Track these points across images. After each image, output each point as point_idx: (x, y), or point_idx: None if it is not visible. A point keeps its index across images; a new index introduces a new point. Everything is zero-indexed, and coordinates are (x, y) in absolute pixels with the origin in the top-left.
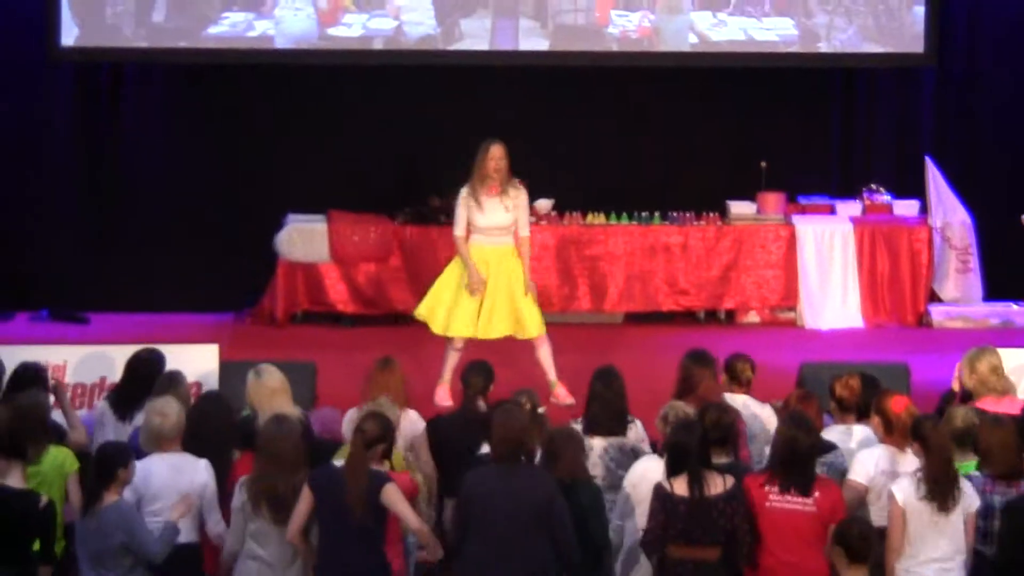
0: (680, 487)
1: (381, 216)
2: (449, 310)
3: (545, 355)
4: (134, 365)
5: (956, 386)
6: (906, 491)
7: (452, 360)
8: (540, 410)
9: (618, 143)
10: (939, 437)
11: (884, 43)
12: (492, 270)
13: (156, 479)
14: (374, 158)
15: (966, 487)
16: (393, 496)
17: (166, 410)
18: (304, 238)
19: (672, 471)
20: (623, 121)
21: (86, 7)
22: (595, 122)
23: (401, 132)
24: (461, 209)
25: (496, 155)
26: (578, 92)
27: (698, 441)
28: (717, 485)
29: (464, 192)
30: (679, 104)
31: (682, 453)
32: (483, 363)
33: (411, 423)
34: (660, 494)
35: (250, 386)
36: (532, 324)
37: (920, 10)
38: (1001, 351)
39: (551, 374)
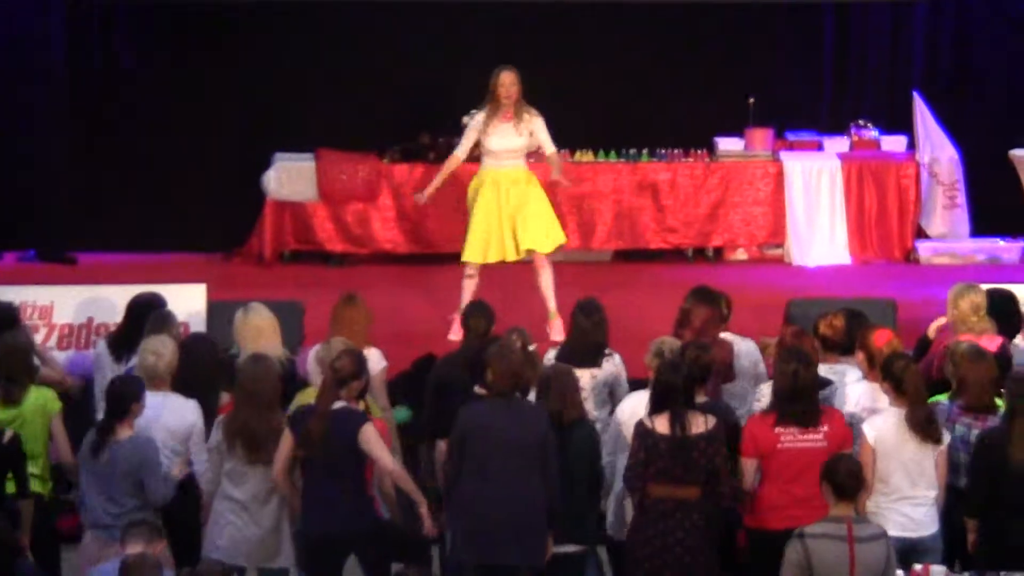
0: (662, 425)
1: (369, 154)
2: (469, 237)
3: (547, 282)
4: (135, 308)
5: (932, 333)
6: (879, 429)
7: (468, 289)
8: (531, 347)
9: (605, 79)
10: (912, 378)
11: None
12: (502, 192)
13: (145, 417)
14: (362, 95)
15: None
16: (371, 437)
17: (161, 350)
18: (291, 177)
19: (655, 408)
20: (610, 57)
21: None
22: (582, 59)
23: (388, 69)
24: (471, 131)
25: (506, 82)
26: (564, 28)
27: (683, 380)
28: (699, 425)
29: (477, 115)
30: (667, 39)
31: (667, 391)
32: (483, 304)
33: (372, 363)
34: (641, 431)
35: (237, 324)
36: (540, 240)
37: None
38: (987, 286)
39: (551, 303)
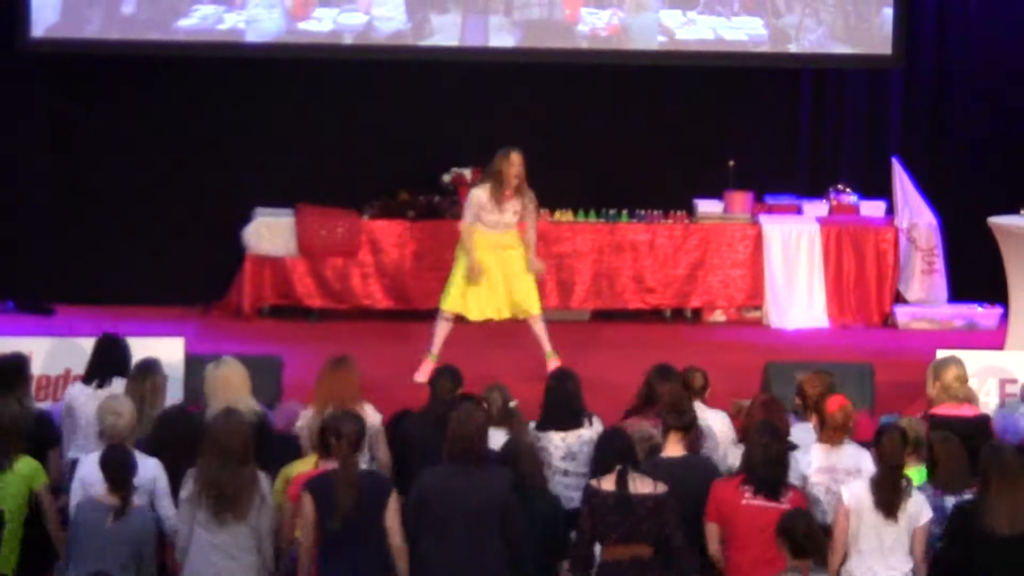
0: (607, 484)
1: (349, 210)
2: (448, 286)
3: (541, 330)
4: (100, 347)
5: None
6: (856, 493)
7: (441, 333)
8: (512, 404)
9: (586, 140)
10: (891, 445)
11: (853, 44)
12: (493, 256)
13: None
14: (342, 152)
15: (918, 498)
16: (395, 507)
17: (120, 409)
18: (272, 232)
19: (599, 470)
20: (591, 119)
21: (50, 1)
22: (563, 119)
23: (370, 127)
24: (472, 206)
25: (517, 163)
26: (546, 90)
27: (623, 446)
28: (646, 487)
29: (480, 191)
30: (647, 102)
31: (607, 457)
32: (451, 367)
33: (370, 418)
34: (588, 493)
35: (207, 377)
36: (532, 302)
37: (889, 12)
38: (965, 352)
39: (547, 346)
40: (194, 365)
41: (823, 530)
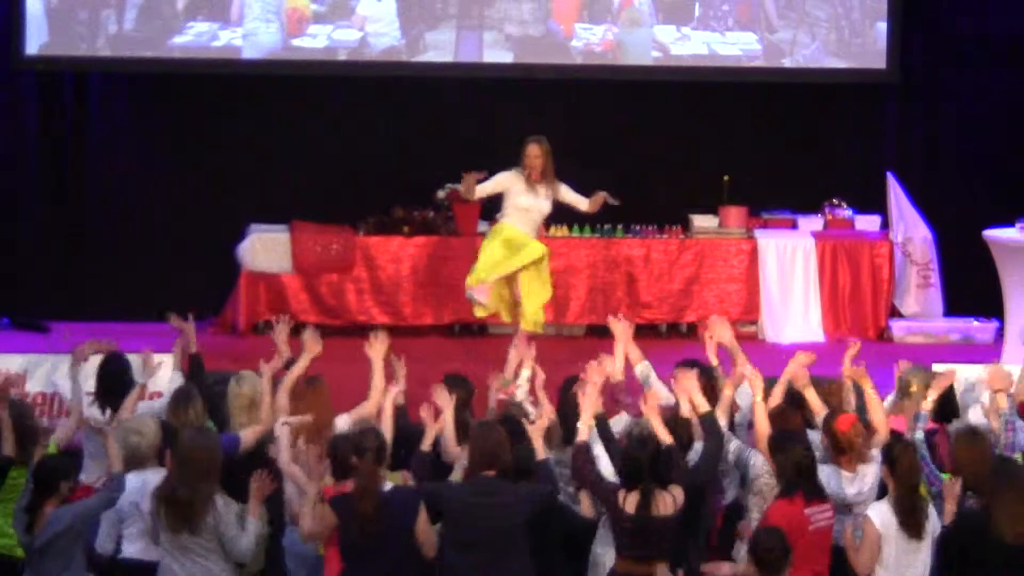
0: (630, 504)
1: (344, 226)
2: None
3: (515, 355)
4: (103, 371)
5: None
6: (884, 514)
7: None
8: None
9: (580, 156)
10: (907, 463)
11: (847, 59)
12: (518, 250)
13: (133, 498)
14: (337, 168)
15: (931, 513)
16: (424, 522)
17: (143, 429)
18: (267, 248)
19: (625, 483)
20: (586, 134)
21: (51, 16)
22: (558, 135)
23: (364, 143)
24: (501, 179)
25: (531, 153)
26: (541, 105)
27: (650, 456)
28: (667, 504)
29: (508, 173)
30: (642, 117)
31: (635, 467)
32: (461, 376)
33: (341, 428)
34: (612, 501)
35: (229, 392)
36: (531, 320)
37: (883, 26)
38: (960, 366)
39: (510, 372)
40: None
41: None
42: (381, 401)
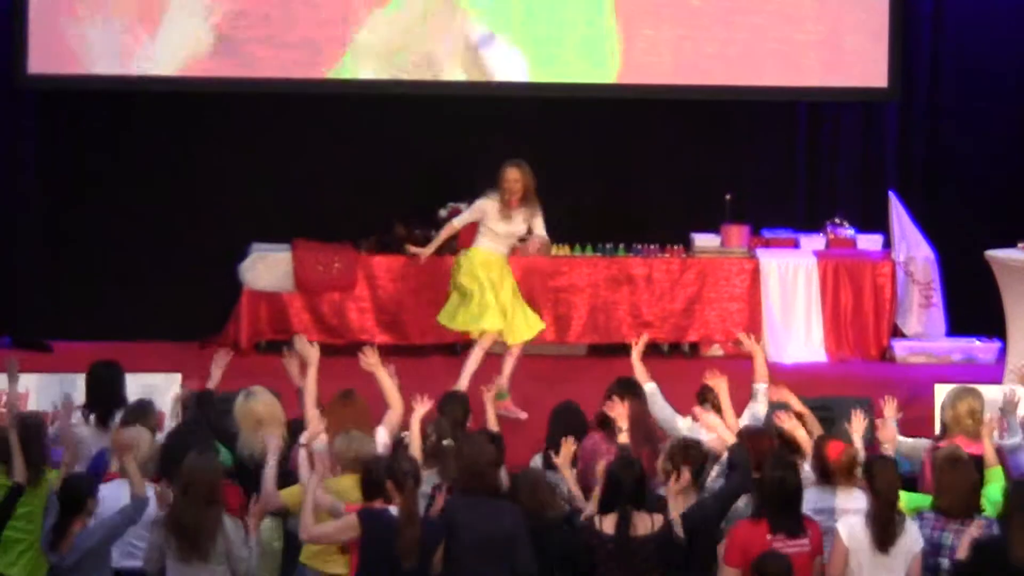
0: (608, 525)
1: (345, 245)
2: (472, 309)
3: (511, 365)
4: (94, 378)
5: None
6: (851, 529)
7: (474, 365)
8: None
9: (583, 174)
10: (885, 479)
11: (849, 78)
12: (496, 277)
13: (111, 504)
14: (339, 187)
15: (910, 528)
16: (441, 553)
17: (138, 441)
18: (268, 267)
19: (603, 507)
20: (588, 152)
21: (51, 35)
22: (560, 153)
23: (366, 161)
24: (474, 211)
25: (510, 177)
26: (543, 124)
27: (635, 479)
28: (645, 525)
29: (486, 201)
30: (643, 136)
31: (616, 489)
32: (460, 394)
33: (383, 447)
34: (587, 528)
35: (236, 408)
36: (529, 325)
37: (884, 45)
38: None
39: (505, 381)
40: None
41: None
42: (402, 404)
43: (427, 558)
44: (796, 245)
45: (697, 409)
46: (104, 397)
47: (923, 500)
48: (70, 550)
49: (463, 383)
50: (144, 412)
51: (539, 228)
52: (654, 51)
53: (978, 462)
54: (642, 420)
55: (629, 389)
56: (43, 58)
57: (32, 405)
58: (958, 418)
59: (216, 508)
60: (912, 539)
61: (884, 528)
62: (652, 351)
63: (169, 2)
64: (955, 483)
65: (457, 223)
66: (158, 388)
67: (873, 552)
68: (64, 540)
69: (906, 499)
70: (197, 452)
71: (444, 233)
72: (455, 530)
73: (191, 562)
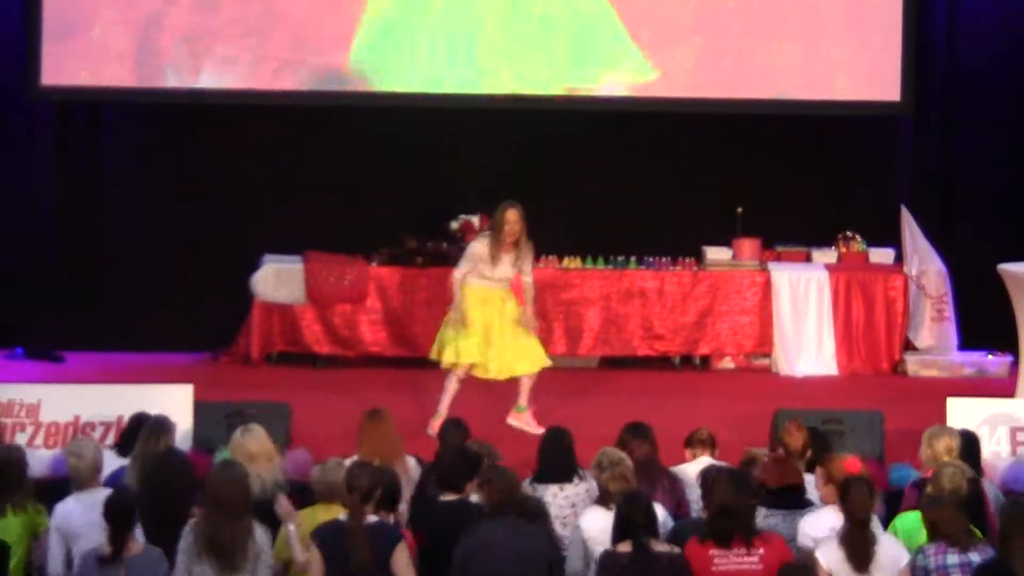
0: (625, 548)
1: (357, 257)
2: (457, 341)
3: (528, 381)
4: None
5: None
6: (830, 552)
7: (452, 391)
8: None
9: (594, 187)
10: (859, 498)
11: (861, 91)
12: (493, 311)
13: (76, 518)
14: (350, 199)
15: (888, 544)
16: (403, 560)
17: (81, 451)
18: (280, 279)
19: (618, 537)
20: (599, 165)
21: (65, 46)
22: (571, 166)
23: (378, 174)
24: (470, 258)
25: (512, 220)
26: (555, 136)
27: (644, 512)
28: (662, 548)
29: (480, 244)
30: (655, 149)
31: (627, 522)
32: (459, 420)
33: (412, 471)
34: (604, 559)
35: (232, 441)
36: (537, 359)
37: (897, 58)
38: (975, 400)
39: (523, 399)
40: (203, 412)
41: None
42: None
43: (383, 561)
44: (808, 258)
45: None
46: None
47: (915, 523)
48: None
49: (442, 410)
50: (164, 429)
51: (527, 274)
52: (668, 65)
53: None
54: (652, 461)
55: (639, 433)
56: (56, 70)
57: (44, 416)
58: (936, 455)
59: (247, 518)
60: (893, 553)
61: (858, 548)
62: (664, 364)
63: (182, 15)
64: (943, 521)
65: (459, 275)
66: (169, 399)
67: (849, 571)
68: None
69: (900, 525)
70: (222, 465)
71: (458, 288)
72: (486, 551)
73: (225, 573)
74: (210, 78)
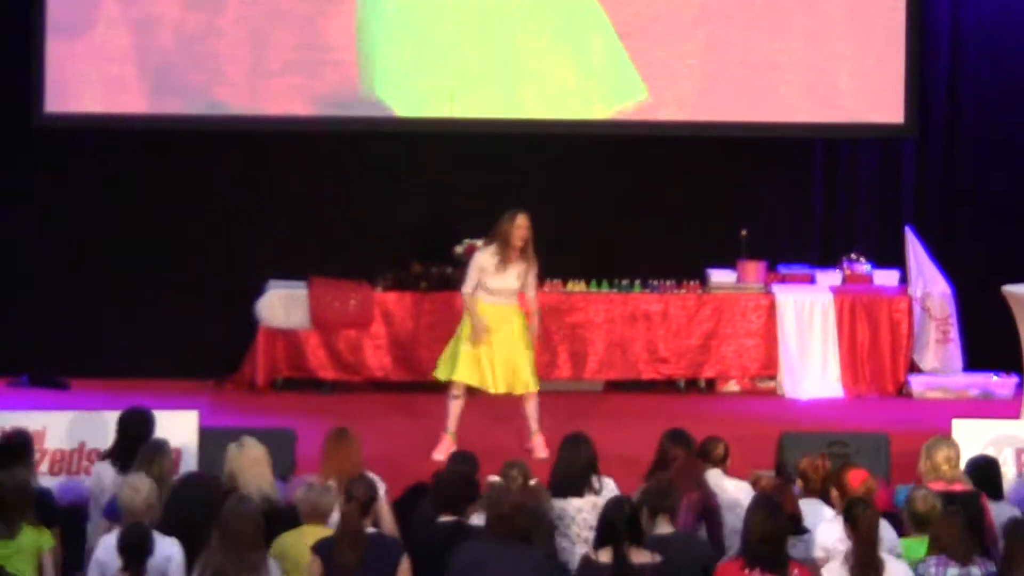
0: (605, 556)
1: (362, 282)
2: (453, 358)
3: (532, 408)
4: (124, 424)
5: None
6: (834, 573)
7: (455, 410)
8: (532, 482)
9: (598, 211)
10: (865, 521)
11: (865, 114)
12: (496, 328)
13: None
14: (355, 224)
15: (895, 567)
16: (406, 570)
17: (139, 486)
18: (285, 304)
19: (599, 543)
20: (603, 189)
21: (67, 74)
22: (575, 190)
23: (381, 199)
24: (474, 270)
25: (523, 225)
26: (559, 160)
27: (626, 518)
28: (644, 557)
29: (484, 254)
30: (660, 172)
31: (610, 527)
32: (467, 454)
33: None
34: (583, 565)
35: (228, 455)
36: (530, 380)
37: (901, 81)
38: (980, 422)
39: (533, 424)
40: (208, 438)
41: None
42: None
43: (384, 573)
44: (812, 281)
45: None
46: (131, 445)
47: (920, 548)
48: None
49: (451, 428)
50: (160, 451)
51: (531, 289)
52: (672, 89)
53: (959, 500)
54: (692, 467)
55: (681, 441)
56: (59, 97)
57: (49, 443)
58: (936, 466)
59: (259, 552)
60: (901, 575)
61: (864, 570)
62: (669, 387)
63: (183, 42)
64: (949, 533)
65: (468, 290)
66: (174, 425)
67: None
68: None
69: (906, 547)
70: (236, 499)
71: (470, 303)
72: (483, 570)
73: None
74: (217, 105)
